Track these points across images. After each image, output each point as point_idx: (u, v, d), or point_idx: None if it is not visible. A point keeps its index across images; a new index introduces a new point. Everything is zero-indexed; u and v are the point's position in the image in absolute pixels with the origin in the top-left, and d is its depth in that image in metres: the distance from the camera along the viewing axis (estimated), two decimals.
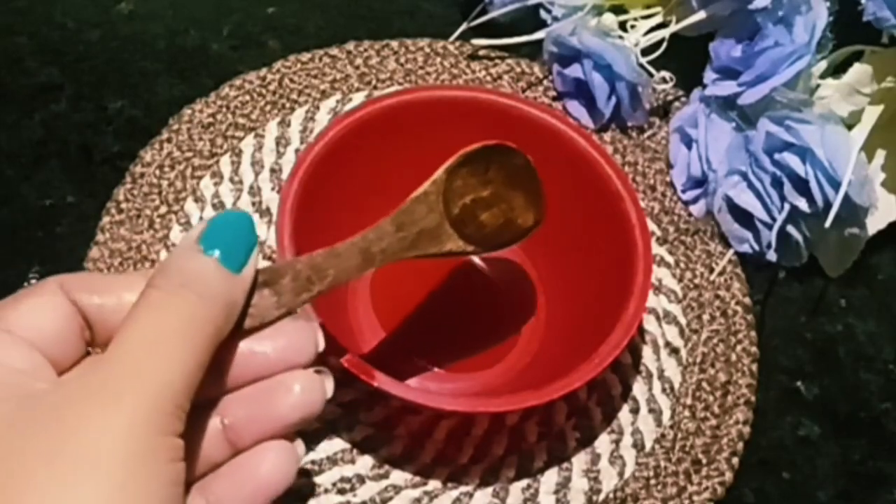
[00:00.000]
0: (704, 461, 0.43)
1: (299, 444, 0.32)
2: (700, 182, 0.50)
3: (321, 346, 0.32)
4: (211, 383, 0.30)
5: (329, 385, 0.32)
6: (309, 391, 0.31)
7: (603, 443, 0.43)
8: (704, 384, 0.45)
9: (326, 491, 0.41)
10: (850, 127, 0.46)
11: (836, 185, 0.44)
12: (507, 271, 0.46)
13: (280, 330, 0.31)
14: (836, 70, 0.48)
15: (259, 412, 0.31)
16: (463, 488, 0.41)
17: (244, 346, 0.31)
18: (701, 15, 0.50)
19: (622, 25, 0.51)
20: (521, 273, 0.46)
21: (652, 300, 0.47)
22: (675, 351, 0.46)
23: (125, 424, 0.26)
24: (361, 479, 0.41)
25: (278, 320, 0.32)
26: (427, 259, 0.36)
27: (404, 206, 0.36)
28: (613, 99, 0.51)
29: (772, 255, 0.47)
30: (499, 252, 0.39)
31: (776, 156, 0.45)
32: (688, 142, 0.50)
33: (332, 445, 0.42)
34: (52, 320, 0.29)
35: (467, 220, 0.37)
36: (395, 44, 0.54)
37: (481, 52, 0.54)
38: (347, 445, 0.42)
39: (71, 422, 0.26)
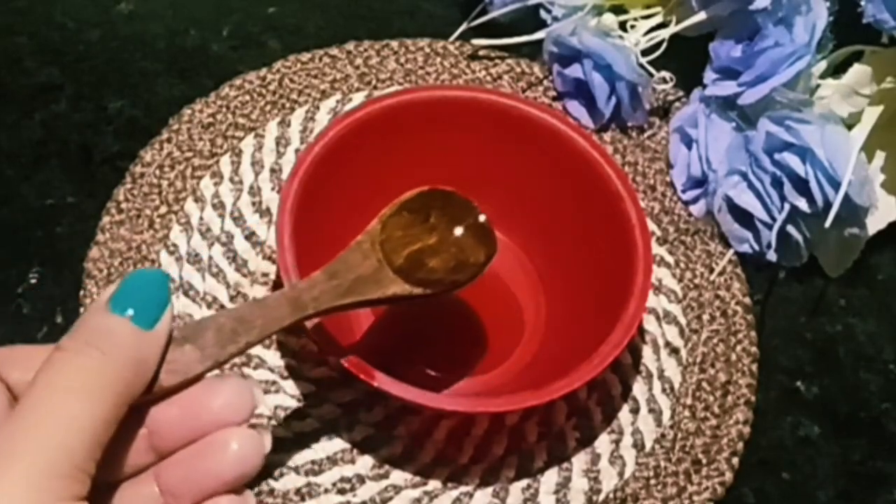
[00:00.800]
0: (704, 461, 0.43)
1: (249, 496, 0.31)
2: (700, 182, 0.50)
3: (259, 403, 0.31)
4: (143, 451, 0.30)
5: (267, 441, 0.31)
6: (246, 447, 0.30)
7: (603, 443, 0.43)
8: (704, 384, 0.45)
9: (326, 491, 0.41)
10: (850, 127, 0.46)
11: (836, 185, 0.44)
12: (506, 272, 0.46)
13: (214, 389, 0.31)
14: (836, 70, 0.48)
15: (195, 473, 0.30)
16: (463, 488, 0.41)
17: (175, 409, 0.30)
18: (701, 15, 0.50)
19: (622, 25, 0.51)
20: (519, 275, 0.46)
21: (652, 300, 0.47)
22: (675, 351, 0.46)
23: (17, 491, 0.25)
24: (361, 479, 0.41)
25: (205, 374, 0.31)
26: (376, 307, 0.36)
27: (337, 257, 0.35)
28: (613, 99, 0.51)
29: (772, 255, 0.47)
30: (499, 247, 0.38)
31: (776, 156, 0.45)
32: (688, 142, 0.50)
33: (332, 445, 0.42)
34: None
35: (415, 268, 0.36)
36: (395, 44, 0.54)
37: (481, 52, 0.54)
38: (347, 445, 0.42)
39: None
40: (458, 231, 0.38)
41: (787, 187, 0.45)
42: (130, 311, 0.29)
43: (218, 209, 0.47)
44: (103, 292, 0.30)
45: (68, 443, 0.26)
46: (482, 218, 0.38)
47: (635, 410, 0.44)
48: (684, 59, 0.50)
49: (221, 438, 0.30)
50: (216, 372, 0.31)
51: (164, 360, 0.30)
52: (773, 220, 0.46)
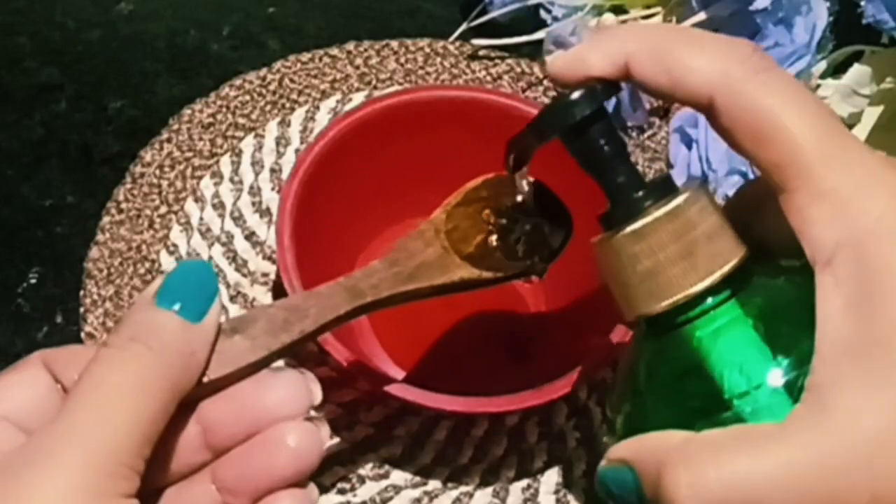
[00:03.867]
0: None
1: (312, 490, 0.30)
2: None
3: (317, 398, 0.30)
4: (198, 448, 0.29)
5: (325, 433, 0.30)
6: (303, 442, 0.29)
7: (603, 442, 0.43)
8: None
9: (326, 491, 0.41)
10: (850, 127, 0.46)
11: None
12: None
13: (269, 383, 0.30)
14: (836, 70, 0.48)
15: (251, 470, 0.29)
16: (463, 488, 0.42)
17: (229, 405, 0.29)
18: (701, 15, 0.50)
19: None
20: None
21: None
22: None
23: (61, 489, 0.25)
24: (361, 479, 0.41)
25: (261, 365, 0.30)
26: (439, 296, 0.33)
27: (396, 245, 0.33)
28: (613, 99, 0.51)
29: None
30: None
31: None
32: (688, 142, 0.50)
33: (333, 445, 0.42)
34: (30, 396, 0.29)
35: (486, 255, 0.34)
36: (395, 44, 0.54)
37: (481, 52, 0.54)
38: (347, 445, 0.42)
39: (7, 491, 0.25)
40: (532, 216, 0.35)
41: None
42: (177, 305, 0.28)
43: (218, 209, 0.47)
44: (150, 285, 0.29)
45: (116, 440, 0.26)
46: (553, 196, 0.35)
47: None
48: None
49: (277, 434, 0.29)
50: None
51: (213, 352, 0.29)
52: None
